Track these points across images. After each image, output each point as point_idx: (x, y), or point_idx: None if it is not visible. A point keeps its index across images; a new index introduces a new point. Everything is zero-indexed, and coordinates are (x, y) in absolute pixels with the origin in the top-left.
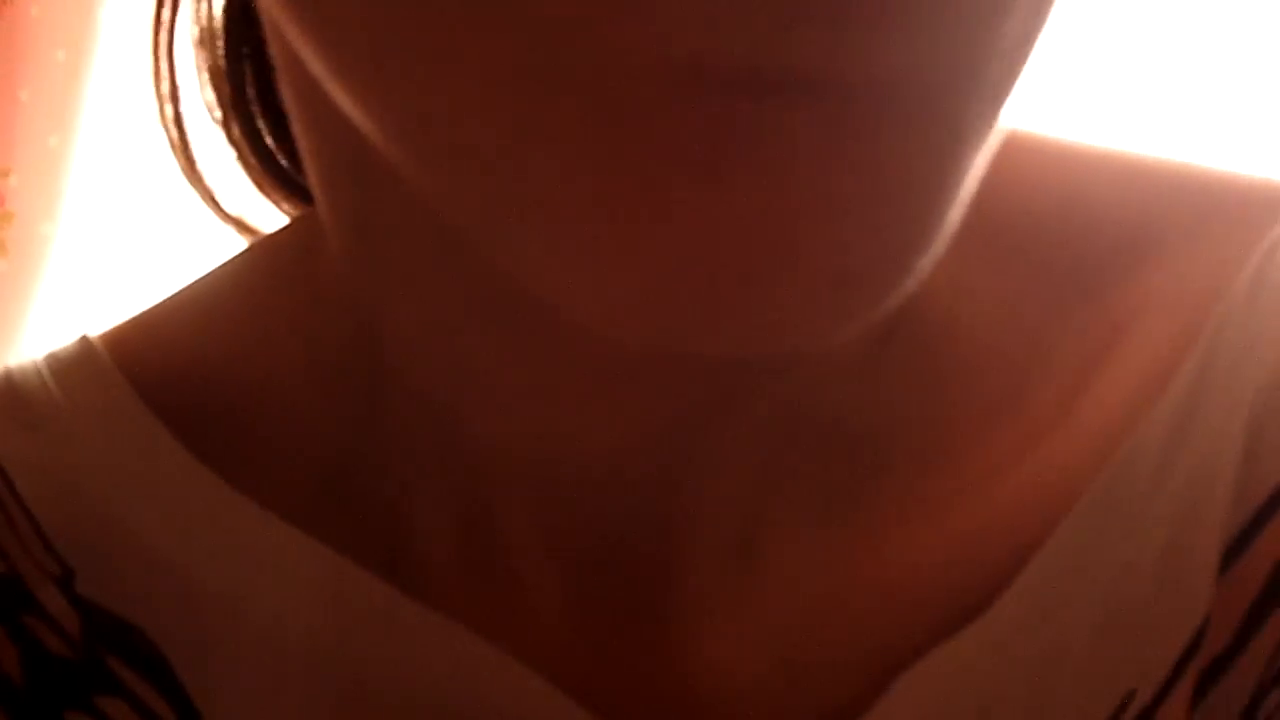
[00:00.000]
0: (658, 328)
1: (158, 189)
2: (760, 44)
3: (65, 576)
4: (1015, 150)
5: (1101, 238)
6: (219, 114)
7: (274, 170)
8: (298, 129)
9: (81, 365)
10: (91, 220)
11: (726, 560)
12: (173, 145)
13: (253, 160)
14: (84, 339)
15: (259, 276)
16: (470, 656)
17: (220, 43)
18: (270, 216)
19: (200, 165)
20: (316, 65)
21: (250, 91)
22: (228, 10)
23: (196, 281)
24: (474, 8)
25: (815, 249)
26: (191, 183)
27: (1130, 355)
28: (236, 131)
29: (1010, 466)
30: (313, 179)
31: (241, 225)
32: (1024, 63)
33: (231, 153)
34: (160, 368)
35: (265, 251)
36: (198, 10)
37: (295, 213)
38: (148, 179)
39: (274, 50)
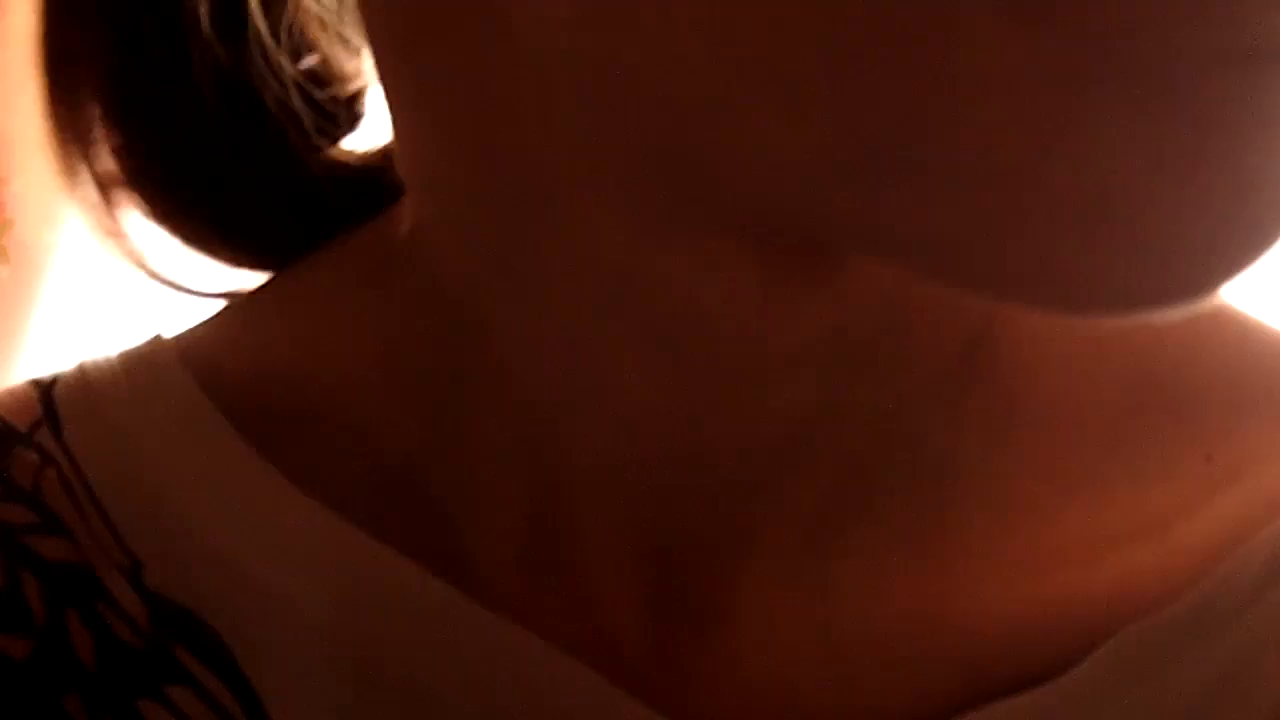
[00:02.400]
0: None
1: None
2: None
3: (134, 568)
4: None
5: (1213, 381)
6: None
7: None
8: (418, 132)
9: (153, 363)
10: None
11: (795, 568)
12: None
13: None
14: (157, 337)
15: (334, 278)
16: (530, 659)
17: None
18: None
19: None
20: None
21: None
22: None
23: (269, 282)
24: (1000, 12)
25: None
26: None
27: (1235, 497)
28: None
29: (1092, 553)
30: (425, 187)
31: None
32: None
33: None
34: (230, 368)
35: (340, 254)
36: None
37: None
38: None
39: (389, 36)
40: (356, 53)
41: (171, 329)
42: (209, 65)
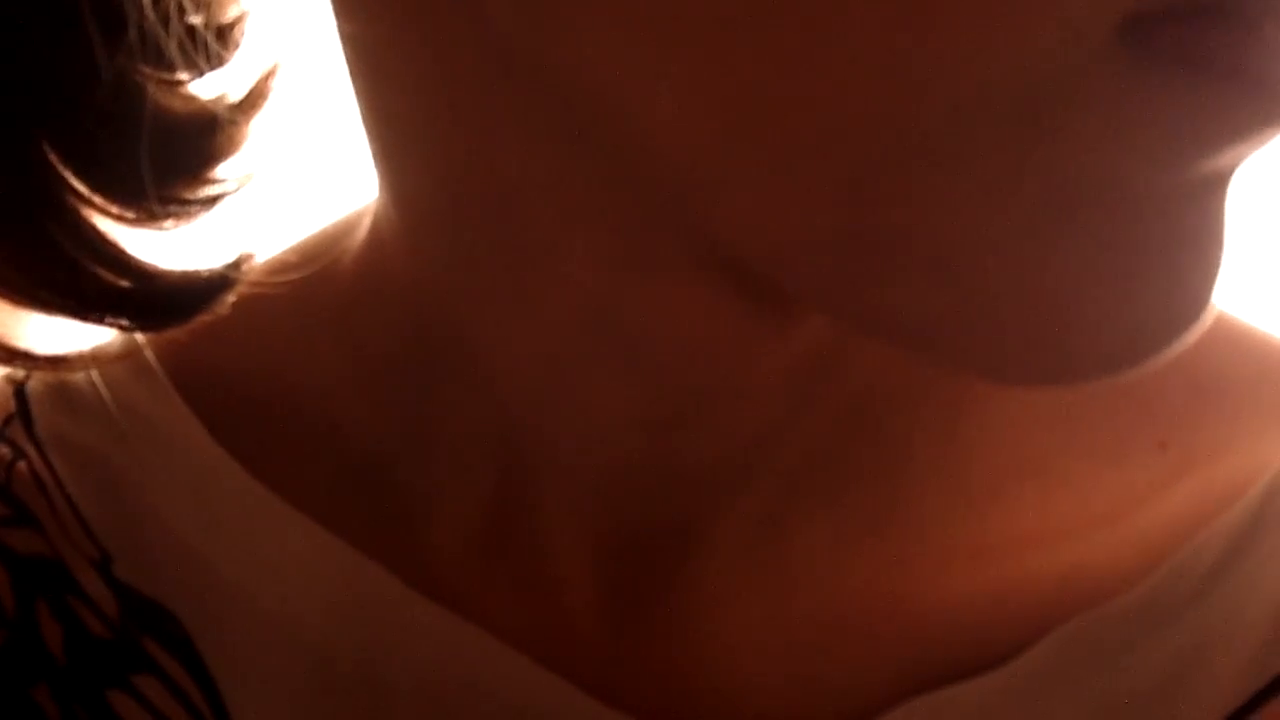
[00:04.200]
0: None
1: None
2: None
3: (104, 561)
4: None
5: (1170, 368)
6: None
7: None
8: (391, 143)
9: (125, 359)
10: None
11: (752, 558)
12: None
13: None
14: (129, 334)
15: (304, 278)
16: (481, 655)
17: None
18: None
19: None
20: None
21: None
22: None
23: None
24: (1020, 138)
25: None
26: None
27: (1189, 486)
28: None
29: (1046, 539)
30: (399, 197)
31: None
32: None
33: None
34: (201, 363)
35: (312, 250)
36: None
37: None
38: None
39: (368, 54)
40: None
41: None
42: None
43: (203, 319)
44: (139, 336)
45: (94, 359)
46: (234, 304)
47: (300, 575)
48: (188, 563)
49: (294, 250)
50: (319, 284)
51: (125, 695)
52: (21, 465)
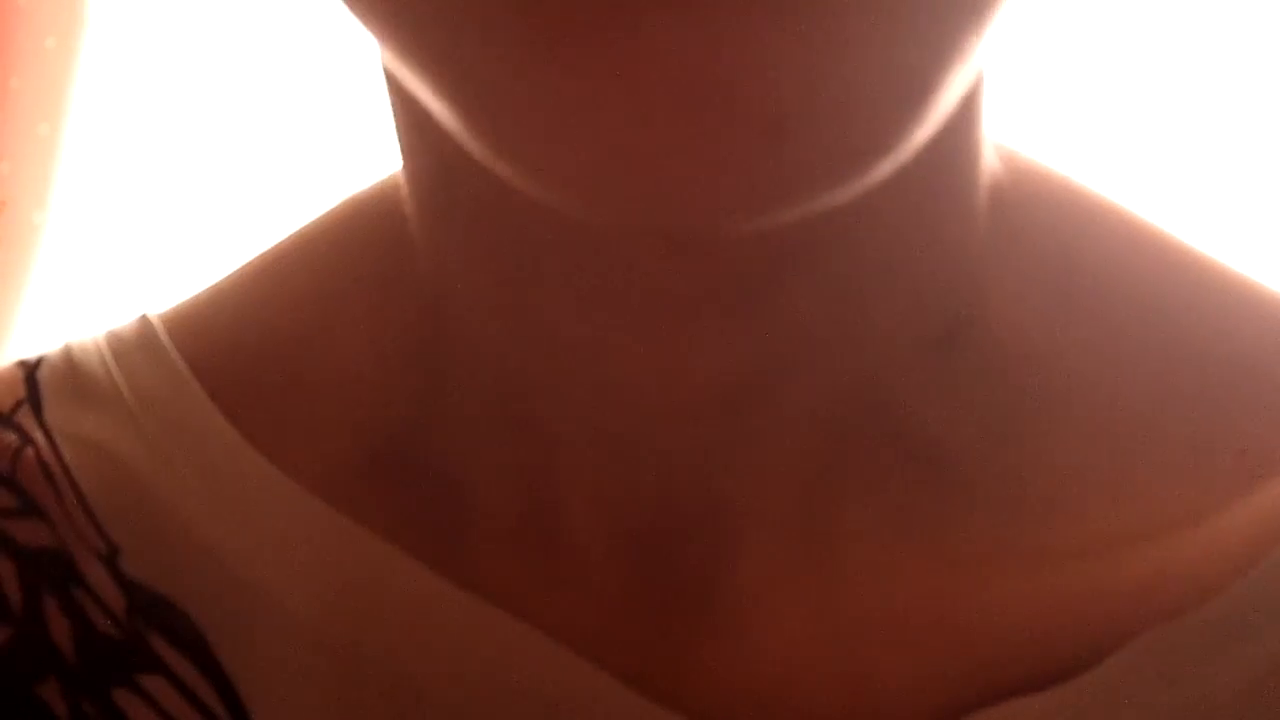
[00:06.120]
0: (610, 192)
1: (149, 176)
2: None
3: (111, 554)
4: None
5: (1246, 370)
6: None
7: None
8: (392, 104)
9: (139, 344)
10: (83, 208)
11: (794, 550)
12: None
13: None
14: (144, 317)
15: (328, 250)
16: (511, 643)
17: None
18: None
19: None
20: None
21: None
22: None
23: (264, 253)
24: None
25: (748, 89)
26: None
27: (1271, 493)
28: None
29: (1116, 547)
30: (404, 170)
31: None
32: None
33: None
34: (219, 347)
35: (336, 225)
36: None
37: None
38: (138, 166)
39: None
40: None
41: (159, 308)
42: None
43: (220, 299)
44: (154, 319)
45: (108, 344)
46: (253, 283)
47: (323, 568)
48: (200, 556)
49: (315, 224)
50: (341, 260)
51: (133, 695)
52: (29, 453)
